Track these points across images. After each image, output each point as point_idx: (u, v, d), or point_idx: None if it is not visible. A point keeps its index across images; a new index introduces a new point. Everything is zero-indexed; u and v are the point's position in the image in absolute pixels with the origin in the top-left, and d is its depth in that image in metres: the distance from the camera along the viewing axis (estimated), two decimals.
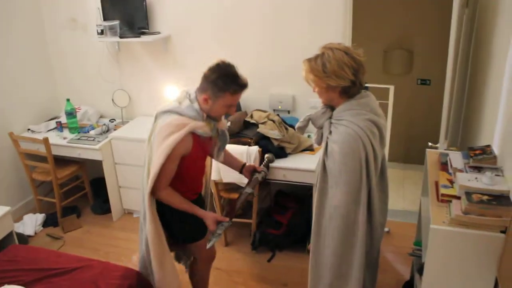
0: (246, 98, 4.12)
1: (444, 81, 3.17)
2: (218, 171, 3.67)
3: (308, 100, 3.98)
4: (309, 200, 3.76)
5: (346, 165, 2.27)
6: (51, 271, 2.79)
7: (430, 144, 3.11)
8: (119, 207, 4.53)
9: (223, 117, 2.74)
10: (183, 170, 2.57)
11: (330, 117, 2.39)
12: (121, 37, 4.19)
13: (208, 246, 2.62)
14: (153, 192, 2.55)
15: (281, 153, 3.69)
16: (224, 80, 2.45)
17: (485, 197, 2.03)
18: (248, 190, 2.80)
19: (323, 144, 2.40)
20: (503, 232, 1.94)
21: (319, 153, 2.60)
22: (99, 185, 4.69)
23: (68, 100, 4.40)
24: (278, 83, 4.11)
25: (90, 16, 4.45)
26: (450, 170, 2.39)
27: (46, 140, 4.07)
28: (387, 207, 2.61)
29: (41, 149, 4.15)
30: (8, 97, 4.41)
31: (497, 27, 2.73)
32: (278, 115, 3.94)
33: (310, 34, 3.84)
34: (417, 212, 3.24)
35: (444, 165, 2.51)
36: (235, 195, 3.76)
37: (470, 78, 3.51)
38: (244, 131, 3.79)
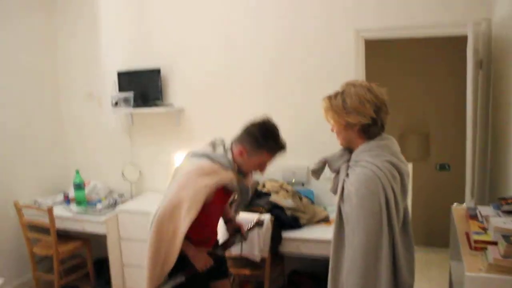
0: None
1: (464, 166, 3.07)
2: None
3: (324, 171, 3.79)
4: (325, 277, 3.44)
5: (364, 209, 2.00)
6: None
7: (455, 204, 2.85)
8: (121, 287, 4.22)
9: (251, 174, 2.62)
10: (200, 219, 2.39)
11: (348, 160, 2.19)
12: (134, 107, 4.18)
13: None
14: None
15: (294, 224, 3.45)
16: (265, 136, 2.43)
17: None
18: (220, 252, 2.72)
19: (339, 189, 2.16)
20: None
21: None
22: (102, 266, 4.42)
23: (77, 171, 4.30)
24: (291, 154, 3.93)
25: (106, 90, 4.50)
26: (481, 219, 2.14)
27: (50, 210, 3.90)
28: (414, 268, 2.29)
29: (45, 221, 3.96)
30: (18, 167, 4.36)
31: None
32: (292, 186, 3.75)
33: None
34: None
35: (473, 217, 2.25)
36: (245, 271, 3.47)
37: (492, 137, 3.33)
38: (256, 200, 3.58)
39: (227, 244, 2.77)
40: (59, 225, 4.06)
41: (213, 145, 2.56)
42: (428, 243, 5.21)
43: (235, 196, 2.66)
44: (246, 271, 3.47)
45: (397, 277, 2.09)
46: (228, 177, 2.43)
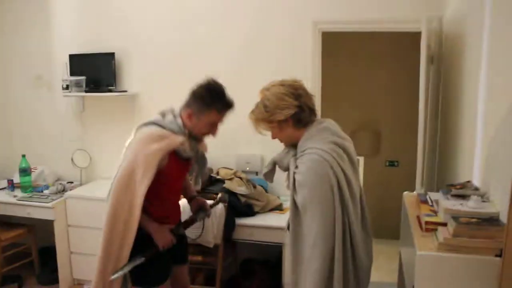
0: (212, 158, 3.96)
1: (412, 163, 3.22)
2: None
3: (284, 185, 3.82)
4: (278, 264, 3.47)
5: (317, 194, 2.03)
6: None
7: (406, 192, 2.93)
8: (68, 276, 4.09)
9: (205, 140, 2.60)
10: (158, 190, 2.37)
11: (295, 155, 2.21)
12: (86, 92, 4.07)
13: (112, 277, 2.34)
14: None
15: (248, 211, 3.46)
16: (212, 96, 2.43)
17: (473, 220, 1.85)
18: (181, 230, 2.69)
19: (290, 181, 2.15)
20: (498, 256, 1.72)
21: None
22: (47, 255, 4.26)
23: (23, 156, 4.14)
24: (245, 143, 3.97)
25: (56, 73, 4.35)
26: (431, 203, 2.21)
27: None
28: (372, 249, 2.35)
29: None
30: None
31: (465, 69, 2.72)
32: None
33: None
34: (395, 283, 3.00)
35: (424, 202, 2.32)
36: (198, 258, 3.46)
37: (441, 129, 3.46)
38: (210, 187, 3.56)
39: (189, 221, 2.72)
40: (2, 211, 3.91)
41: (163, 114, 2.52)
42: (377, 236, 5.33)
43: (193, 165, 2.63)
44: (199, 258, 3.46)
45: (355, 258, 2.14)
46: (178, 140, 2.39)
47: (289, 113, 2.11)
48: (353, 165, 2.17)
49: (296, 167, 2.13)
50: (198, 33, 4.02)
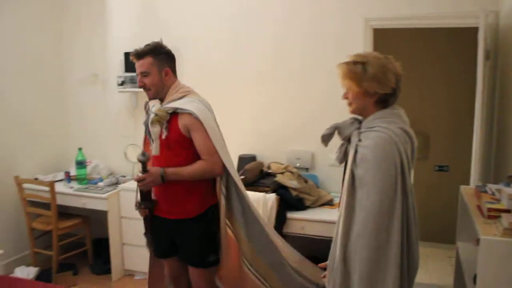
0: (263, 153, 4.02)
1: (463, 166, 3.21)
2: None
3: (328, 156, 3.82)
4: (327, 259, 3.46)
5: (381, 170, 1.99)
6: None
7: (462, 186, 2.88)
8: (120, 267, 4.20)
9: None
10: None
11: (358, 128, 2.20)
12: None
13: None
14: None
15: (299, 205, 3.46)
16: None
17: None
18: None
19: (352, 154, 2.15)
20: None
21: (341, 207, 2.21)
22: (100, 246, 4.40)
23: (80, 149, 4.29)
24: (296, 139, 3.99)
25: (112, 71, 4.51)
26: (493, 192, 2.18)
27: (51, 184, 3.90)
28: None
29: (46, 196, 3.95)
30: (21, 145, 4.36)
31: None
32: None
33: (329, 92, 3.80)
34: (445, 285, 2.95)
35: (483, 192, 2.29)
36: None
37: (498, 126, 3.38)
38: (261, 180, 3.60)
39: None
40: (59, 201, 4.04)
41: None
42: (426, 239, 5.23)
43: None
44: None
45: (409, 241, 2.11)
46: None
47: (383, 90, 2.08)
48: (413, 157, 2.14)
49: (360, 140, 2.12)
50: (247, 33, 4.08)
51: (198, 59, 4.25)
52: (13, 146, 4.29)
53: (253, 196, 3.32)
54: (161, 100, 2.66)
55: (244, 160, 3.91)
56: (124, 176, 4.45)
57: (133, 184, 4.07)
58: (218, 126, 2.71)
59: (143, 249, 4.00)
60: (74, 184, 4.25)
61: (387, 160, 2.00)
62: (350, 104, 2.19)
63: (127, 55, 4.35)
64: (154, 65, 2.61)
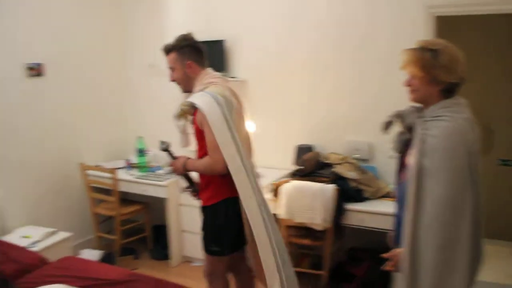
0: (320, 143, 3.98)
1: None
2: (288, 207, 3.39)
3: (388, 147, 3.72)
4: (386, 252, 3.39)
5: (451, 161, 1.94)
6: (101, 281, 2.62)
7: None
8: (178, 253, 4.29)
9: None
10: None
11: (420, 117, 2.12)
12: None
13: None
14: None
15: (358, 196, 3.41)
16: None
17: None
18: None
19: (417, 142, 2.05)
20: None
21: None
22: (159, 232, 4.52)
23: (140, 138, 4.40)
24: (354, 129, 3.92)
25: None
26: None
27: (114, 171, 4.02)
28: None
29: (109, 182, 4.10)
30: (85, 133, 4.53)
31: None
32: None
33: (386, 82, 3.71)
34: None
35: None
36: (306, 241, 3.47)
37: None
38: (319, 170, 3.56)
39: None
40: (121, 188, 4.17)
41: None
42: (487, 236, 5.03)
43: None
44: (307, 241, 3.47)
45: (477, 233, 2.04)
46: None
47: (451, 79, 2.01)
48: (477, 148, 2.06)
49: (426, 129, 2.04)
50: (303, 21, 4.01)
51: (254, 48, 4.25)
52: (79, 134, 4.46)
53: (311, 186, 3.31)
54: (191, 93, 2.70)
55: (301, 150, 3.88)
56: None
57: (192, 173, 4.17)
58: (229, 121, 2.49)
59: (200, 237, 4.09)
60: (135, 172, 4.36)
61: (456, 150, 1.94)
62: (413, 91, 2.12)
63: None
64: (177, 60, 2.65)
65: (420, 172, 2.02)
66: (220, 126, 2.44)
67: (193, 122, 2.60)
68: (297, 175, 3.60)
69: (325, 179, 3.44)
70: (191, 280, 3.90)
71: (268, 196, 3.57)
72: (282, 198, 3.39)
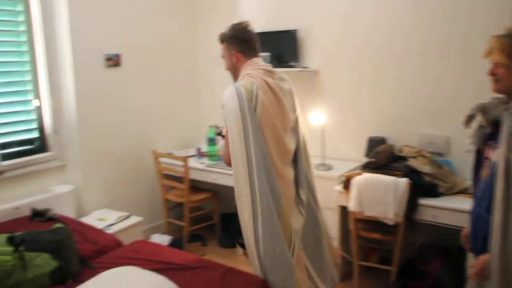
0: (394, 136, 3.86)
1: None
2: (359, 200, 3.32)
3: (466, 141, 3.55)
4: (460, 252, 3.25)
5: None
6: (172, 265, 2.67)
7: None
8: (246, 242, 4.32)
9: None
10: None
11: (506, 110, 1.98)
12: None
13: None
14: None
15: (432, 191, 3.27)
16: None
17: None
18: None
19: (504, 138, 1.94)
20: None
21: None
22: (227, 221, 4.58)
23: (211, 127, 4.46)
24: (430, 122, 3.77)
25: None
26: None
27: (185, 159, 4.11)
28: None
29: (180, 170, 4.19)
30: (158, 121, 4.66)
31: None
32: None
33: (464, 73, 3.52)
34: None
35: None
36: (376, 235, 3.39)
37: None
38: (392, 163, 3.46)
39: None
40: (191, 175, 4.25)
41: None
42: None
43: None
44: (377, 235, 3.39)
45: None
46: None
47: None
48: None
49: None
50: (382, 9, 3.87)
51: (327, 38, 4.18)
52: (152, 122, 4.59)
53: (384, 179, 3.22)
54: None
55: (374, 142, 3.79)
56: None
57: None
58: (246, 115, 2.39)
59: None
60: (205, 160, 4.43)
61: None
62: (497, 81, 1.99)
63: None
64: (226, 49, 2.66)
65: (509, 168, 1.90)
66: (234, 122, 2.40)
67: None
68: (368, 167, 3.51)
69: (398, 172, 3.33)
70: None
71: (337, 188, 3.54)
72: (353, 190, 3.32)
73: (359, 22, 3.99)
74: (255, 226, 2.43)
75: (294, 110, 2.65)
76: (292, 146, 2.59)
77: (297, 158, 2.67)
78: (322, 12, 4.16)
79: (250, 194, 2.41)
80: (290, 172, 2.59)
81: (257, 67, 2.56)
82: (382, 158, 3.46)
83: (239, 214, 2.49)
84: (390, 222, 3.23)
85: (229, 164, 2.50)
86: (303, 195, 2.64)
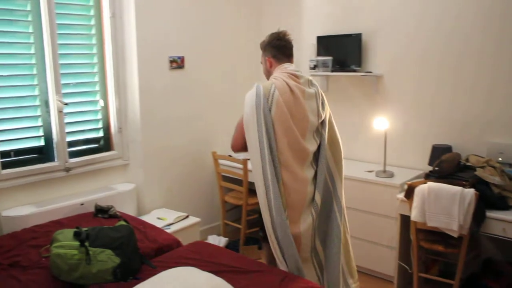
0: (460, 144, 3.72)
1: None
2: (422, 210, 3.21)
3: None
4: None
5: None
6: (231, 268, 2.66)
7: None
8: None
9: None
10: None
11: None
12: (331, 72, 4.19)
13: None
14: None
15: (502, 203, 3.12)
16: None
17: None
18: None
19: None
20: None
21: None
22: None
23: None
24: (500, 130, 3.59)
25: (304, 55, 4.58)
26: None
27: (245, 162, 4.11)
28: None
29: (239, 172, 4.20)
30: (216, 123, 4.72)
31: None
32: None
33: None
34: None
35: None
36: (439, 247, 3.26)
37: None
38: (458, 173, 3.32)
39: None
40: (250, 178, 4.24)
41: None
42: None
43: None
44: (440, 247, 3.26)
45: None
46: None
47: None
48: None
49: None
50: (447, 13, 3.74)
51: (391, 43, 4.08)
52: (212, 124, 4.66)
53: (449, 189, 3.10)
54: None
55: (438, 150, 3.65)
56: None
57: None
58: (260, 113, 2.57)
59: None
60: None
61: None
62: None
63: (319, 39, 4.37)
64: (262, 56, 2.92)
65: None
66: (249, 112, 2.61)
67: None
68: (432, 176, 3.39)
69: (464, 182, 3.19)
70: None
71: (399, 196, 3.44)
72: (415, 199, 3.22)
73: (424, 26, 3.87)
74: (270, 211, 2.56)
75: (316, 113, 2.71)
76: (310, 146, 2.66)
77: (318, 160, 2.73)
78: (387, 15, 4.07)
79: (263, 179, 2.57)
80: (307, 172, 2.66)
81: (284, 70, 2.73)
82: (448, 167, 3.33)
83: (258, 198, 2.65)
84: (455, 235, 3.10)
85: (234, 147, 2.87)
86: (318, 198, 2.68)
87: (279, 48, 2.82)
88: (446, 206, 3.08)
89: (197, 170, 4.54)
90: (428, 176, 3.44)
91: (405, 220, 3.47)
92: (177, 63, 4.22)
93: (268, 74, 2.89)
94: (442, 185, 3.15)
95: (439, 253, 3.53)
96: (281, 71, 2.73)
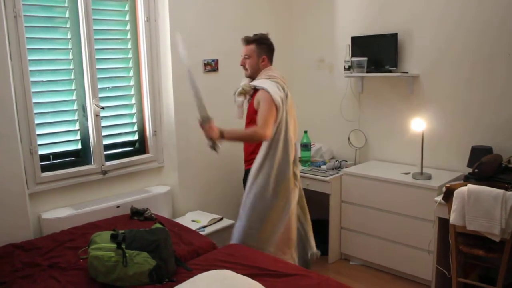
0: (501, 145, 3.61)
1: None
2: (461, 213, 3.12)
3: None
4: None
5: None
6: (267, 271, 2.64)
7: None
8: (337, 250, 4.26)
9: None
10: None
11: None
12: (366, 72, 4.13)
13: None
14: None
15: None
16: None
17: None
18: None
19: None
20: None
21: None
22: (318, 227, 4.49)
23: (305, 132, 4.43)
24: None
25: (338, 56, 4.54)
26: None
27: None
28: None
29: None
30: None
31: None
32: None
33: None
34: None
35: None
36: (479, 252, 3.16)
37: None
38: (499, 175, 3.22)
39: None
40: None
41: None
42: None
43: None
44: (480, 252, 3.16)
45: None
46: None
47: None
48: None
49: None
50: (486, 12, 3.63)
51: (427, 42, 3.98)
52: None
53: (490, 192, 3.00)
54: (252, 79, 3.38)
55: (478, 151, 3.55)
56: (346, 161, 4.45)
57: (355, 169, 4.09)
58: (284, 106, 3.20)
59: (361, 236, 4.01)
60: (299, 166, 4.39)
61: None
62: None
63: (354, 39, 4.31)
64: (255, 51, 3.33)
65: None
66: (278, 103, 3.11)
67: (251, 100, 3.31)
68: (472, 178, 3.30)
69: (507, 185, 3.09)
70: (347, 278, 3.88)
71: (437, 198, 3.36)
72: (454, 202, 3.13)
73: (462, 26, 3.77)
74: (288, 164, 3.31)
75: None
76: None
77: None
78: (424, 15, 3.97)
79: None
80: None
81: (277, 73, 3.34)
82: (488, 169, 3.24)
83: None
84: (496, 239, 3.00)
85: (258, 140, 3.20)
86: (297, 171, 3.43)
87: (273, 51, 3.42)
88: (487, 209, 2.99)
89: (231, 173, 4.53)
90: (468, 178, 3.35)
91: (443, 223, 3.40)
92: (211, 66, 4.24)
93: (256, 70, 3.36)
94: (483, 188, 3.05)
95: (479, 258, 3.43)
96: (274, 73, 3.34)
